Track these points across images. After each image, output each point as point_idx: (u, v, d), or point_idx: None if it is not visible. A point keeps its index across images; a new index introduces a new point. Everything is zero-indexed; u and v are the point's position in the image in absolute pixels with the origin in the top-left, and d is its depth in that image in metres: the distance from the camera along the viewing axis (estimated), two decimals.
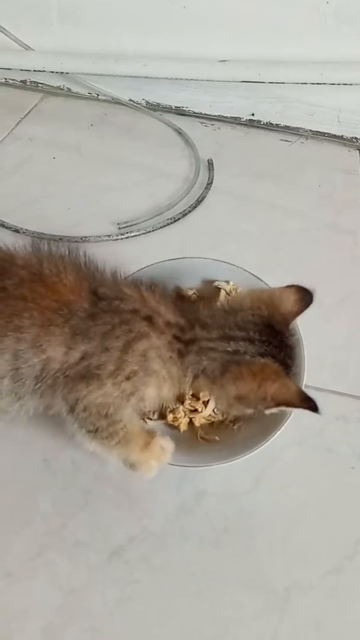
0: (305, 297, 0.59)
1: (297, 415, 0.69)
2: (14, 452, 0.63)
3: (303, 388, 0.63)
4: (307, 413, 0.68)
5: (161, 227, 0.93)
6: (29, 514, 0.59)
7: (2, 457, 0.63)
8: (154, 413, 0.64)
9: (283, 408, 0.53)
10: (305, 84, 1.04)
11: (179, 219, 0.95)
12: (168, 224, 0.94)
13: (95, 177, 1.03)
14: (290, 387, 0.52)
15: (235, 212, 1.00)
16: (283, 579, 0.56)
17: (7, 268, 0.55)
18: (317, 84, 1.04)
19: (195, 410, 0.65)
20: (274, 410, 0.53)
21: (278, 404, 0.52)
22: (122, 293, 0.56)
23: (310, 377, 0.72)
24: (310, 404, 0.52)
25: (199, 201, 0.99)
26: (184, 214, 0.96)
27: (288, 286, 0.59)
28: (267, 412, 0.53)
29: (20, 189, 1.00)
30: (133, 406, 0.55)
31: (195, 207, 0.98)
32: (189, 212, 0.97)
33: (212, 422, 0.66)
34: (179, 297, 0.65)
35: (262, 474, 0.64)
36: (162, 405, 0.58)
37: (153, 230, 0.93)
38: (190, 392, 0.62)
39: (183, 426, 0.64)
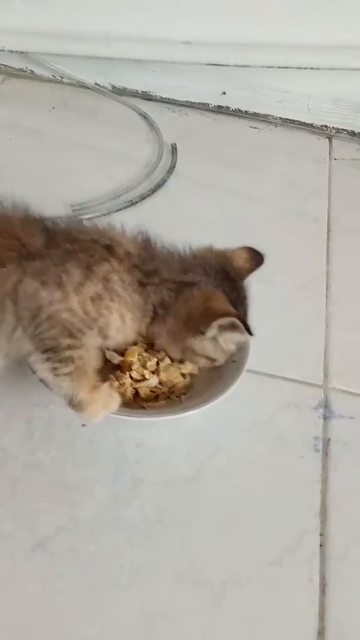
0: (256, 257, 0.64)
1: (248, 402, 0.67)
2: None
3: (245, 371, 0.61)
4: (261, 400, 0.67)
5: (117, 210, 0.90)
6: None
7: None
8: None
9: (222, 321, 0.55)
10: (272, 67, 1.03)
11: (136, 202, 0.92)
12: (125, 207, 0.91)
13: (53, 160, 1.00)
14: (229, 306, 0.56)
15: (198, 198, 0.97)
16: (219, 573, 0.53)
17: None
18: (284, 67, 1.02)
19: (143, 379, 0.62)
20: (214, 330, 0.56)
21: (215, 315, 0.55)
22: (80, 227, 0.59)
23: (264, 363, 0.70)
24: (246, 324, 0.55)
25: (159, 185, 0.96)
26: (143, 198, 0.93)
27: (241, 247, 0.64)
28: (209, 333, 0.56)
29: None
30: (95, 336, 0.54)
31: (155, 191, 0.95)
32: (148, 195, 0.94)
33: (158, 395, 0.62)
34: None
35: (204, 462, 0.61)
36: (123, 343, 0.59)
37: (109, 213, 0.90)
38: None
39: (129, 394, 0.61)
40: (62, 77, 1.20)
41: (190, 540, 0.55)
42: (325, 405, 0.68)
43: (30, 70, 1.20)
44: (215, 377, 0.64)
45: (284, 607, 0.52)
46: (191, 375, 0.64)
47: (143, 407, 0.61)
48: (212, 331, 0.56)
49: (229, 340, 0.58)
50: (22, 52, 1.15)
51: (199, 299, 0.56)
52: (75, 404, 0.55)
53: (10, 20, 1.12)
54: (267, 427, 0.65)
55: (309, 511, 0.58)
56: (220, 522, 0.57)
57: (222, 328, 0.56)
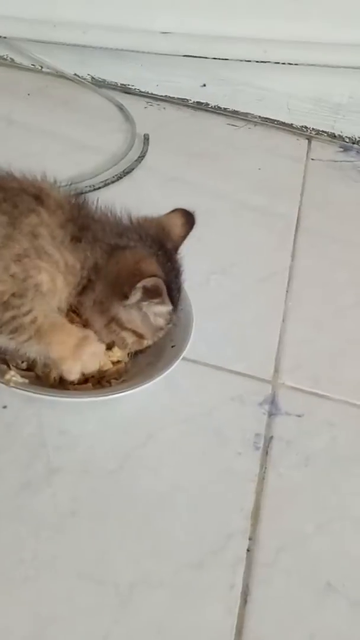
0: (189, 219, 0.60)
1: (189, 393, 0.62)
2: None
3: (181, 360, 0.57)
4: (202, 392, 0.62)
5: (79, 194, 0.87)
6: None
7: None
8: None
9: (147, 282, 0.50)
10: (250, 61, 1.00)
11: (99, 187, 0.88)
12: (87, 192, 0.87)
13: (19, 145, 0.96)
14: (159, 270, 0.52)
15: (163, 189, 0.93)
16: (128, 573, 0.47)
17: None
18: (262, 62, 0.99)
19: None
20: (139, 293, 0.51)
21: (142, 275, 0.50)
22: (10, 176, 0.54)
23: (211, 354, 0.65)
24: (171, 292, 0.52)
25: (125, 173, 0.93)
26: (106, 184, 0.89)
27: (173, 211, 0.60)
28: (133, 297, 0.51)
29: None
30: (32, 294, 0.49)
31: (120, 178, 0.92)
32: (112, 182, 0.90)
33: (87, 380, 0.57)
34: None
35: (131, 454, 0.55)
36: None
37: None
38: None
39: (52, 380, 0.56)
40: (41, 67, 1.17)
41: (103, 535, 0.49)
42: (272, 401, 0.62)
43: (11, 58, 1.18)
44: (151, 363, 0.59)
45: (198, 615, 0.46)
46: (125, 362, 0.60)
47: (67, 389, 0.56)
48: (136, 294, 0.51)
49: (155, 313, 0.54)
50: (2, 38, 1.13)
51: (130, 260, 0.52)
52: (52, 364, 0.53)
53: None
54: (205, 420, 0.60)
55: (239, 512, 0.53)
56: (140, 518, 0.51)
57: (147, 292, 0.51)
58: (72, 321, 0.54)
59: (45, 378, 0.56)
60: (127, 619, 0.45)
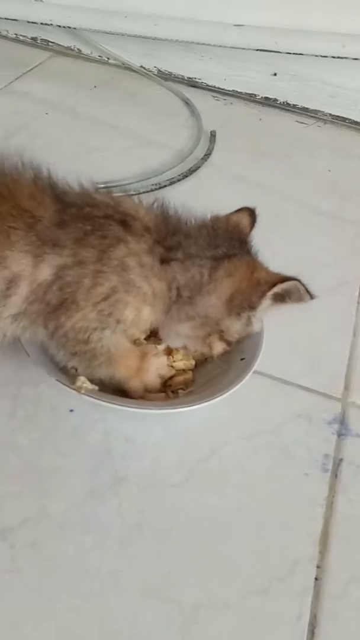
0: (253, 218, 0.59)
1: (254, 407, 0.60)
2: None
3: (251, 374, 0.55)
4: (269, 407, 0.60)
5: (144, 192, 0.85)
6: None
7: None
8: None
9: (277, 289, 0.51)
10: (326, 57, 0.96)
11: (165, 186, 0.87)
12: (152, 190, 0.86)
13: (85, 138, 0.96)
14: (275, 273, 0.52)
15: (229, 189, 0.91)
16: (194, 593, 0.46)
17: None
18: (339, 57, 0.95)
19: None
20: (268, 301, 0.51)
21: (273, 284, 0.50)
22: (92, 199, 0.51)
23: (278, 367, 0.63)
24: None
25: (191, 171, 0.91)
26: (172, 182, 0.88)
27: (240, 209, 0.59)
28: (262, 305, 0.51)
29: (5, 137, 0.93)
30: (112, 329, 0.49)
31: (186, 176, 0.90)
32: (178, 180, 0.89)
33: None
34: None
35: (195, 468, 0.54)
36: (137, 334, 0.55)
37: (136, 194, 0.85)
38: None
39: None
40: (108, 58, 1.16)
41: (167, 552, 0.49)
42: (342, 421, 0.60)
43: (78, 49, 1.18)
44: (219, 375, 0.58)
45: None
46: (192, 370, 0.59)
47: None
48: (266, 302, 0.51)
49: (258, 318, 0.53)
50: (70, 28, 1.12)
51: (244, 270, 0.51)
52: (115, 382, 0.54)
53: None
54: (271, 437, 0.58)
55: (307, 538, 0.51)
56: (204, 537, 0.50)
57: (276, 297, 0.51)
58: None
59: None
60: None
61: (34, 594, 0.45)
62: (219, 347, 0.54)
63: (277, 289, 0.50)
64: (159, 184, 0.87)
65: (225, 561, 0.49)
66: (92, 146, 0.94)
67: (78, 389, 0.51)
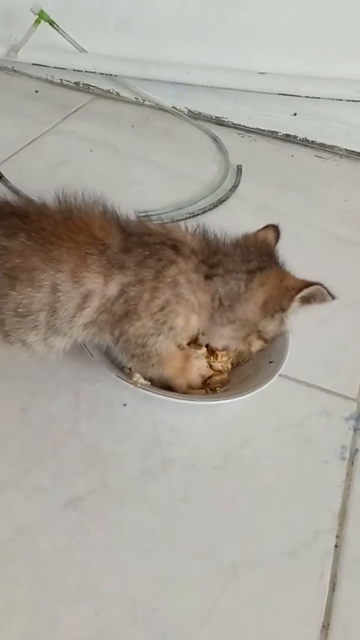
0: (277, 232, 0.69)
1: (281, 405, 0.70)
2: None
3: (278, 375, 0.65)
4: (293, 405, 0.69)
5: (179, 220, 0.96)
6: None
7: None
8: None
9: (304, 293, 0.61)
10: (342, 100, 1.07)
11: (198, 214, 0.98)
12: (186, 218, 0.97)
13: (125, 172, 1.09)
14: (299, 279, 0.62)
15: (255, 217, 1.00)
16: (233, 554, 0.55)
17: (43, 212, 0.60)
18: (353, 101, 1.06)
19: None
20: (296, 304, 0.61)
21: (299, 289, 0.60)
22: (148, 229, 0.62)
23: (301, 371, 0.73)
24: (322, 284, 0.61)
25: (220, 201, 1.02)
26: (204, 211, 0.99)
27: (266, 227, 0.69)
28: (292, 307, 0.61)
29: (55, 172, 1.06)
30: (165, 335, 0.60)
31: (216, 206, 1.01)
32: (209, 209, 1.00)
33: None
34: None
35: (231, 453, 0.64)
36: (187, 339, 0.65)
37: (171, 222, 0.96)
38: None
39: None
40: (143, 100, 1.30)
41: (210, 521, 0.58)
42: (357, 417, 0.69)
43: (117, 92, 1.31)
44: (251, 375, 0.68)
45: (292, 596, 0.54)
46: (228, 372, 0.69)
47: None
48: (294, 304, 0.61)
49: (289, 318, 0.63)
50: (111, 75, 1.26)
51: (275, 279, 0.61)
52: (163, 380, 0.65)
53: (103, 46, 1.24)
54: (296, 430, 0.67)
55: (327, 513, 0.60)
56: (240, 510, 0.59)
57: (304, 300, 0.61)
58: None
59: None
60: (231, 592, 0.53)
61: (102, 550, 0.55)
62: (257, 345, 0.64)
63: (304, 292, 0.60)
64: (192, 212, 0.98)
65: (257, 529, 0.58)
66: (133, 179, 1.07)
67: (134, 383, 0.62)
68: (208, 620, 0.52)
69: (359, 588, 0.55)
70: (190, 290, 0.59)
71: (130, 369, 0.64)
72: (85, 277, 0.56)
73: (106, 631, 0.50)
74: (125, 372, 0.65)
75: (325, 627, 0.52)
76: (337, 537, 0.58)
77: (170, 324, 0.59)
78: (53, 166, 1.08)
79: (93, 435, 0.64)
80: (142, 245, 0.59)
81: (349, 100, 1.06)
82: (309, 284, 0.61)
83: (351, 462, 0.65)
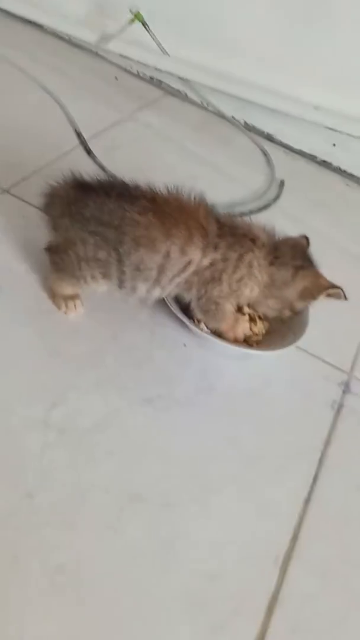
0: (308, 240, 1.00)
1: (294, 366, 1.05)
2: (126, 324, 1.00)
3: (296, 345, 1.00)
4: (302, 368, 1.04)
5: (237, 216, 1.31)
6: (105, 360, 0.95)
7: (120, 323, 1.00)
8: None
9: (330, 291, 0.94)
10: None
11: (245, 214, 1.33)
12: (237, 216, 1.32)
13: (189, 167, 1.42)
14: (331, 282, 0.95)
15: (289, 226, 1.35)
16: (252, 448, 0.90)
17: (165, 199, 0.91)
18: None
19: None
20: (323, 297, 0.94)
21: (328, 288, 0.94)
22: (236, 223, 0.95)
23: (314, 347, 1.08)
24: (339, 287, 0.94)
25: (265, 207, 1.37)
26: (252, 213, 1.34)
27: (301, 236, 1.00)
28: (319, 299, 0.95)
29: (132, 158, 1.39)
30: (231, 299, 0.94)
31: (260, 211, 1.36)
32: (255, 213, 1.35)
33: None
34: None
35: (255, 390, 0.99)
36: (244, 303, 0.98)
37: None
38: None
39: None
40: (207, 105, 1.63)
41: (239, 422, 0.93)
42: (346, 384, 1.05)
43: (185, 93, 1.65)
44: (277, 342, 1.02)
45: (287, 478, 0.89)
46: (262, 336, 1.04)
47: None
48: (321, 297, 0.94)
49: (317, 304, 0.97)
50: (184, 79, 1.59)
51: (312, 276, 0.94)
52: (217, 332, 0.98)
53: (182, 51, 1.57)
54: (302, 384, 1.03)
55: (317, 437, 0.95)
56: (259, 423, 0.95)
57: (328, 295, 0.94)
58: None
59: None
60: (248, 470, 0.88)
61: (172, 434, 0.89)
62: (287, 314, 0.99)
63: (330, 291, 0.94)
64: (242, 213, 1.33)
65: (268, 437, 0.93)
66: (194, 176, 1.39)
67: (201, 329, 0.96)
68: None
69: (331, 485, 0.90)
70: (259, 271, 0.93)
71: (198, 320, 0.98)
72: (190, 250, 0.90)
73: None
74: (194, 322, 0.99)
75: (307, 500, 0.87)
76: (321, 453, 0.93)
77: (240, 291, 0.93)
78: (130, 151, 1.41)
79: (161, 360, 0.98)
80: (231, 235, 0.92)
81: None
82: (335, 286, 0.95)
83: (338, 412, 1.00)
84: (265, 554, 0.80)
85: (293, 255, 0.96)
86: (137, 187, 0.94)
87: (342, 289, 0.94)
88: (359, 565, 0.82)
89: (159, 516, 0.79)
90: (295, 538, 0.82)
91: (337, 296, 0.94)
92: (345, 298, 0.95)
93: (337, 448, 0.95)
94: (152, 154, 1.42)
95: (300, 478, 0.90)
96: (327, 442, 0.95)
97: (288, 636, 0.73)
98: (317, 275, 0.96)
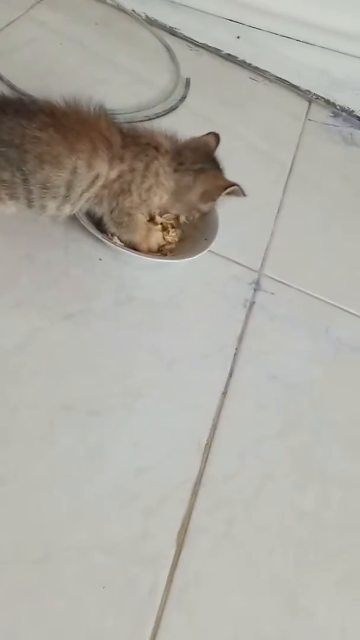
0: (217, 139, 0.97)
1: (206, 269, 1.06)
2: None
3: (208, 250, 1.00)
4: (214, 270, 1.05)
5: (135, 122, 1.24)
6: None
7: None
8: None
9: (227, 190, 0.93)
10: (277, 34, 1.36)
11: (152, 119, 1.26)
12: (142, 121, 1.25)
13: (92, 70, 1.32)
14: (229, 180, 0.95)
15: (197, 126, 1.30)
16: (171, 354, 0.93)
17: (65, 112, 0.85)
18: (287, 37, 1.36)
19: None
20: (222, 196, 0.94)
21: (224, 187, 0.93)
22: (138, 132, 0.92)
23: (225, 250, 1.08)
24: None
25: (172, 109, 1.30)
26: (157, 116, 1.27)
27: (209, 133, 0.98)
28: (219, 199, 0.94)
29: (30, 62, 1.27)
30: (142, 209, 0.92)
31: (168, 113, 1.29)
32: (162, 115, 1.28)
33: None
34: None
35: (171, 297, 1.00)
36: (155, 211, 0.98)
37: (130, 122, 1.24)
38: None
39: None
40: None
41: (152, 331, 0.95)
42: (257, 282, 1.08)
43: None
44: (190, 248, 1.02)
45: (207, 371, 0.93)
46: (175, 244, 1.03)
47: None
48: (222, 197, 0.94)
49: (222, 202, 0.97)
50: None
51: (210, 179, 0.93)
52: (131, 244, 0.96)
53: None
54: (214, 287, 1.04)
55: (231, 335, 0.99)
56: (172, 328, 0.96)
57: (227, 193, 0.93)
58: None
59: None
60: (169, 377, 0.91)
61: (79, 342, 0.90)
62: (196, 215, 0.99)
63: (227, 190, 0.93)
64: (148, 116, 1.26)
65: (185, 336, 0.95)
66: (98, 79, 1.30)
67: (114, 243, 0.94)
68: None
69: (246, 377, 0.95)
70: (165, 178, 0.91)
71: (112, 234, 0.96)
72: (95, 164, 0.86)
73: None
74: (108, 236, 0.97)
75: (224, 394, 0.92)
76: (235, 349, 0.97)
77: (150, 200, 0.91)
78: (28, 55, 1.28)
79: (78, 276, 0.96)
80: (135, 144, 0.89)
81: (282, 36, 1.35)
82: (232, 184, 0.94)
83: (250, 309, 1.03)
84: (189, 444, 0.85)
85: (194, 159, 0.94)
86: (34, 102, 0.87)
87: (239, 186, 0.94)
88: (272, 447, 0.88)
89: (88, 424, 0.82)
90: (215, 427, 0.88)
91: (236, 193, 0.94)
92: (244, 194, 0.95)
93: (249, 343, 0.99)
94: (51, 57, 1.30)
95: (217, 374, 0.94)
96: (240, 339, 0.99)
97: (212, 512, 0.80)
98: (215, 176, 0.94)
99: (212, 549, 0.78)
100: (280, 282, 1.10)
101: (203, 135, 0.99)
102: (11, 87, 1.20)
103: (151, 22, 1.49)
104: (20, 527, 0.72)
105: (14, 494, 0.74)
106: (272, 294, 1.07)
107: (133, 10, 1.48)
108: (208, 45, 1.49)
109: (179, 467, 0.83)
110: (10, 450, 0.77)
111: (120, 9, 1.48)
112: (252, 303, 1.05)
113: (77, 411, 0.83)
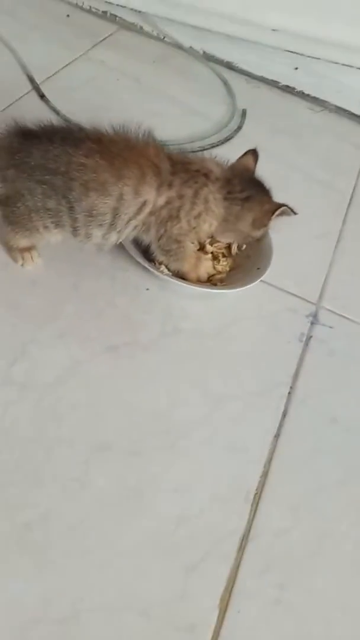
0: (255, 154, 0.89)
1: (260, 301, 0.96)
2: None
3: (261, 280, 0.91)
4: (268, 302, 0.95)
5: (190, 152, 1.18)
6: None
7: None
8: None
9: (277, 212, 0.84)
10: (337, 63, 1.28)
11: (207, 149, 1.20)
12: (196, 151, 1.19)
13: (147, 103, 1.27)
14: (277, 202, 0.86)
15: None
16: (220, 386, 0.83)
17: (112, 139, 0.80)
18: (346, 65, 1.27)
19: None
20: (272, 221, 0.85)
21: (273, 211, 0.84)
22: (188, 159, 0.85)
23: (280, 281, 0.98)
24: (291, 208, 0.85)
25: (227, 139, 1.23)
26: (212, 146, 1.21)
27: (247, 152, 0.89)
28: (270, 223, 0.86)
29: (87, 98, 1.24)
30: (191, 236, 0.85)
31: (223, 143, 1.23)
32: (217, 146, 1.21)
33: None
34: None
35: (223, 329, 0.90)
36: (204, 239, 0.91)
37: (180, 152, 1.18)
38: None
39: None
40: (164, 37, 1.46)
41: (207, 363, 0.85)
42: (314, 315, 0.96)
43: (140, 26, 1.47)
44: (241, 278, 0.93)
45: (261, 412, 0.82)
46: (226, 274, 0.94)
47: None
48: (273, 221, 0.85)
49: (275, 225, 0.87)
50: (139, 12, 1.41)
51: (259, 205, 0.85)
52: (180, 274, 0.89)
53: None
54: (269, 319, 0.94)
55: (285, 371, 0.87)
56: (228, 357, 0.87)
57: (277, 215, 0.84)
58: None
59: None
60: (217, 413, 0.80)
61: (130, 377, 0.81)
62: (250, 241, 0.90)
63: (277, 212, 0.84)
64: (202, 147, 1.19)
65: (239, 372, 0.85)
66: (152, 111, 1.25)
67: (162, 272, 0.86)
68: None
69: (301, 419, 0.83)
70: (215, 205, 0.83)
71: (159, 263, 0.88)
72: (143, 190, 0.79)
73: None
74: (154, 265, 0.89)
75: (277, 437, 0.81)
76: (290, 387, 0.86)
77: (199, 227, 0.83)
78: (85, 91, 1.26)
79: (124, 306, 0.89)
80: (184, 171, 0.81)
81: (343, 65, 1.26)
82: (280, 205, 0.84)
83: (306, 344, 0.92)
84: (236, 493, 0.74)
85: (242, 186, 0.85)
86: (80, 129, 0.82)
87: (287, 205, 0.85)
88: (330, 499, 0.76)
89: (126, 465, 0.73)
90: (265, 474, 0.76)
91: (286, 213, 0.85)
92: (295, 213, 0.85)
93: (306, 381, 0.87)
94: (108, 93, 1.27)
95: (269, 414, 0.82)
96: (296, 376, 0.88)
97: (261, 573, 0.68)
98: (262, 201, 0.86)
99: (260, 616, 0.66)
100: (339, 315, 0.98)
101: (241, 157, 0.89)
102: (67, 121, 1.17)
103: (208, 58, 1.44)
104: (46, 580, 0.63)
105: (42, 540, 0.65)
106: (331, 327, 0.96)
107: (190, 47, 1.44)
108: (265, 78, 1.42)
109: (224, 518, 0.71)
110: (42, 492, 0.69)
111: (178, 45, 1.44)
112: (309, 337, 0.93)
113: (114, 451, 0.74)
